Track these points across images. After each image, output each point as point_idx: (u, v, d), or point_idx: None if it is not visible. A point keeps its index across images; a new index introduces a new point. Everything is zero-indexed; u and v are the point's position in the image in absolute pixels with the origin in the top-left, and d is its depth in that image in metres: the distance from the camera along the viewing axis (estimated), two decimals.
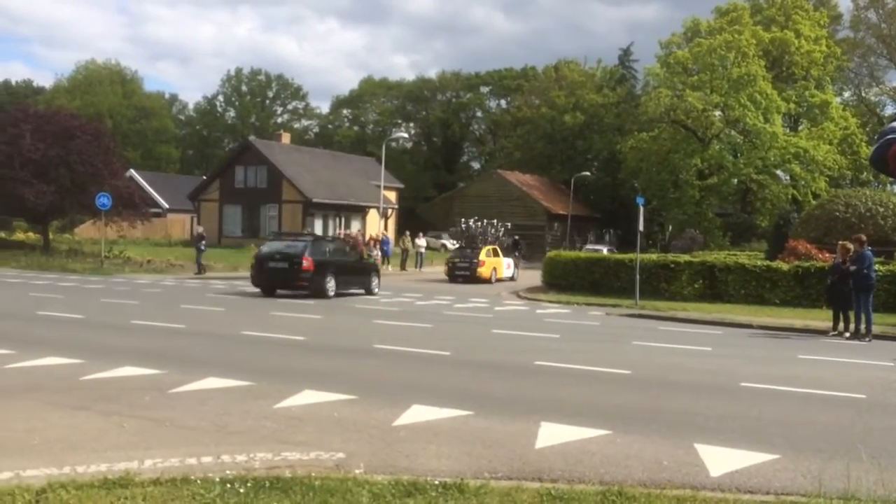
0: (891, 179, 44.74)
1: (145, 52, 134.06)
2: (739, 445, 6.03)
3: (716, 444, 6.05)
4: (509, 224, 39.97)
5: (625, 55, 73.01)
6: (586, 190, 63.91)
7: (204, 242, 29.68)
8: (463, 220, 37.65)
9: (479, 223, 36.35)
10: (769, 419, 7.21)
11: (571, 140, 67.03)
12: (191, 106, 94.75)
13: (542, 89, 69.21)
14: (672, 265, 23.27)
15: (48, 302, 16.53)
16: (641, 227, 22.83)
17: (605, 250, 41.66)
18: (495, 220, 37.70)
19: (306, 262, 19.91)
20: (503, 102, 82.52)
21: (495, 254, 32.16)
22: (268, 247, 21.43)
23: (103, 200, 29.71)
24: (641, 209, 22.52)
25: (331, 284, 20.51)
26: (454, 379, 8.95)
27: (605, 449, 5.89)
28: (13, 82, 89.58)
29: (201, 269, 29.00)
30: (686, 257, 25.42)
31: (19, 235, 41.94)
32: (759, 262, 22.97)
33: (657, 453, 5.79)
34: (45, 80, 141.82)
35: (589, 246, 48.24)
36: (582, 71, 69.65)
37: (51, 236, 38.02)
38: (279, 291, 20.82)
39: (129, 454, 5.36)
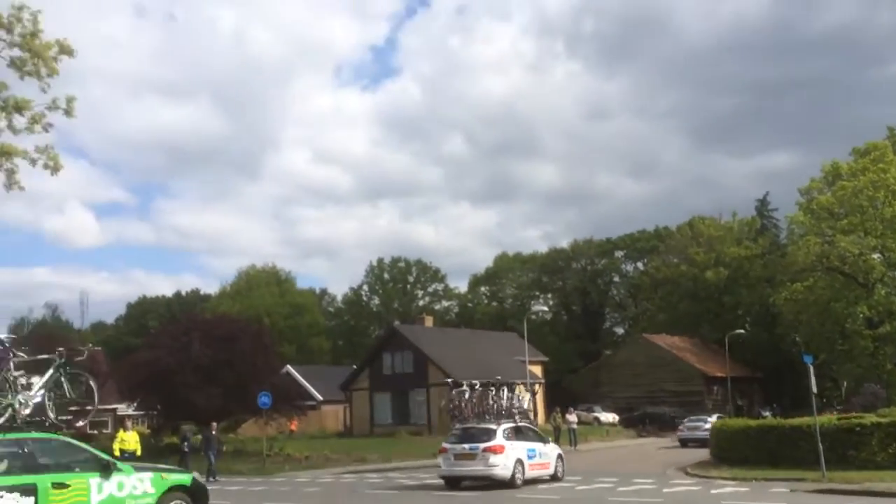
0: None
1: (297, 251, 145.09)
2: None
3: None
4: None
5: (762, 205, 71.49)
6: (742, 348, 60.35)
7: (188, 444, 27.18)
8: None
9: None
10: None
11: (717, 296, 64.74)
12: (339, 298, 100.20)
13: (678, 248, 68.24)
14: (857, 428, 21.07)
15: None
16: (814, 389, 21.02)
17: (767, 414, 39.25)
18: None
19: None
20: (640, 265, 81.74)
21: None
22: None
23: (265, 400, 30.63)
24: (811, 368, 20.88)
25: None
26: None
27: None
28: (183, 293, 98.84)
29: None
30: (873, 417, 22.98)
31: None
32: None
33: None
34: (210, 287, 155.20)
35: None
36: (718, 225, 68.40)
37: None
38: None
39: None
